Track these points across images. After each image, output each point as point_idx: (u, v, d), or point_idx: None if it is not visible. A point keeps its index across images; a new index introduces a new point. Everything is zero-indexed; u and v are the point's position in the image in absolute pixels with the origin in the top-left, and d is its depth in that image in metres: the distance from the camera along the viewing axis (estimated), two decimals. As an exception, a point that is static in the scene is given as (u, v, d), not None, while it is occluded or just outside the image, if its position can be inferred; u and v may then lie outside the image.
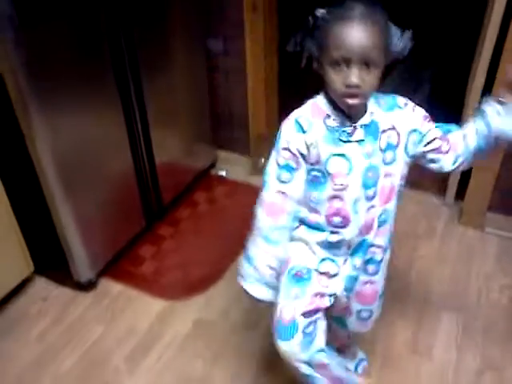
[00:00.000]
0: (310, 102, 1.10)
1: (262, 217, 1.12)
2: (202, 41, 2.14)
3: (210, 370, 1.56)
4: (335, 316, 1.30)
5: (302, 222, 1.14)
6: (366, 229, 1.11)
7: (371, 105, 1.06)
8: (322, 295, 1.15)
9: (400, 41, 1.01)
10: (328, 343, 1.19)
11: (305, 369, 1.15)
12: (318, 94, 1.10)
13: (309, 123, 1.06)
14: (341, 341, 1.46)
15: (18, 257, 1.74)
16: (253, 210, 1.15)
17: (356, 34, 0.92)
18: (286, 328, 1.11)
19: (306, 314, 1.12)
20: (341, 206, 1.07)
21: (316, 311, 1.14)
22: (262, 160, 2.39)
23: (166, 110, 2.00)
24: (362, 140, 1.04)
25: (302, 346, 1.11)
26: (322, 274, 1.15)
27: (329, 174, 1.05)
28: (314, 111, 1.07)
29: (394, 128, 1.07)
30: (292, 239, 1.16)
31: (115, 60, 1.66)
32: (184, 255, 1.98)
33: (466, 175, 2.04)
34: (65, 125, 1.55)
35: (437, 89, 2.87)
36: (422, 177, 2.38)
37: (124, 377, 1.55)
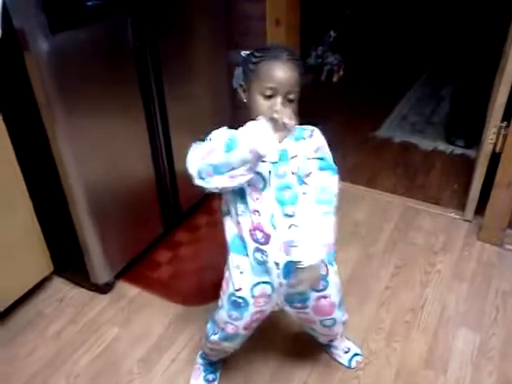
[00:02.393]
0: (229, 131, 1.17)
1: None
2: (224, 51, 2.17)
3: (222, 375, 1.56)
4: (305, 325, 1.45)
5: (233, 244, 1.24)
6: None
7: None
8: (262, 311, 1.30)
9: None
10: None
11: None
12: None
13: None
14: (327, 338, 1.53)
15: (39, 257, 1.77)
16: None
17: (284, 72, 1.11)
18: (230, 336, 1.33)
19: (247, 328, 1.32)
20: (259, 221, 1.16)
21: (257, 321, 1.32)
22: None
23: (187, 118, 2.03)
24: (276, 162, 1.15)
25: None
26: (257, 297, 1.24)
27: (248, 186, 1.15)
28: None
29: (297, 156, 1.19)
30: (227, 266, 1.27)
31: (140, 68, 1.70)
32: (200, 261, 1.99)
33: (486, 191, 2.02)
34: (88, 129, 1.58)
35: (457, 106, 2.86)
36: (441, 192, 2.39)
37: (137, 379, 1.56)
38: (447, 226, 2.17)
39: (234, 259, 1.24)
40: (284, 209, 1.16)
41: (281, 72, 1.11)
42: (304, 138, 1.22)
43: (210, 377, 1.53)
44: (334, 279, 1.30)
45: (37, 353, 1.65)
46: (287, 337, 1.68)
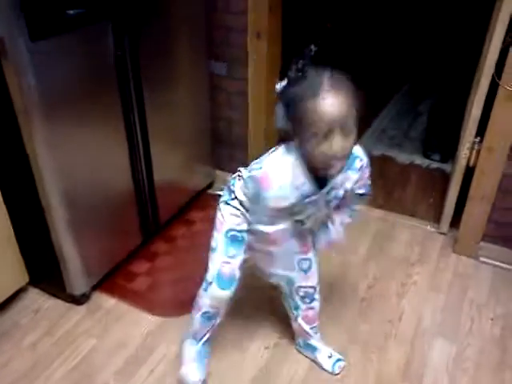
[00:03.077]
0: (289, 165, 1.16)
1: None
2: (205, 62, 2.19)
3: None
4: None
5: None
6: None
7: None
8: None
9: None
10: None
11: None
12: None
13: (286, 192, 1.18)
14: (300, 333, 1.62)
15: (14, 267, 1.74)
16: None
17: (332, 107, 0.98)
18: (226, 279, 1.36)
19: (239, 268, 1.37)
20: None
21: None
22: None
23: (167, 128, 2.03)
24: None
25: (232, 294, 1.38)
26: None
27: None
28: (294, 178, 1.16)
29: (342, 185, 1.21)
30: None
31: (120, 76, 1.69)
32: (178, 272, 1.98)
33: (461, 204, 2.06)
34: (67, 138, 1.57)
35: (434, 121, 2.91)
36: (417, 205, 2.43)
37: (113, 391, 1.54)
38: (423, 238, 2.20)
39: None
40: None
41: (328, 109, 0.99)
42: (355, 170, 1.21)
43: (202, 361, 1.53)
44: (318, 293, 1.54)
45: (12, 364, 1.62)
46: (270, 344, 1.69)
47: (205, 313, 1.45)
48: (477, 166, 1.94)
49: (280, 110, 1.11)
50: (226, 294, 1.39)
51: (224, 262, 1.36)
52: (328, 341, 1.65)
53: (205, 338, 1.50)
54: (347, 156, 1.07)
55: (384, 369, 1.62)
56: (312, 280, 1.50)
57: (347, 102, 1.01)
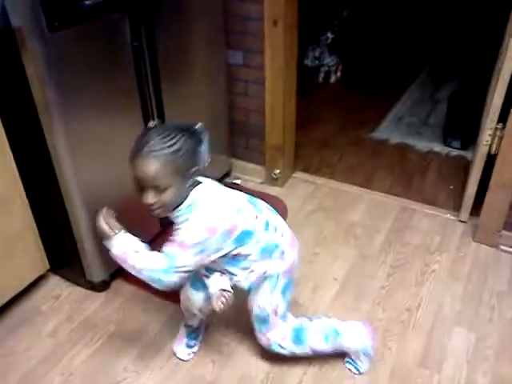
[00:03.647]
0: None
1: None
2: (222, 51, 2.18)
3: (219, 373, 1.57)
4: None
5: None
6: None
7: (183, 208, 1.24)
8: None
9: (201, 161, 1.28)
10: None
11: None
12: None
13: None
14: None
15: (34, 255, 1.77)
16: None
17: (143, 167, 1.14)
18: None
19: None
20: None
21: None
22: (277, 171, 2.41)
23: (184, 117, 2.02)
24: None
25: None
26: None
27: None
28: None
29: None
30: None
31: (137, 66, 1.70)
32: (196, 261, 1.99)
33: (481, 192, 2.03)
34: (85, 128, 1.58)
35: (454, 107, 2.87)
36: (436, 193, 2.40)
37: (133, 377, 1.56)
38: (443, 226, 2.18)
39: None
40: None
41: (141, 168, 1.15)
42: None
43: (192, 342, 1.63)
44: None
45: (33, 349, 1.65)
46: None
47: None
48: (498, 153, 1.90)
49: None
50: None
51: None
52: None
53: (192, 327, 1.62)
54: (163, 204, 1.20)
55: (402, 356, 1.61)
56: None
57: (158, 168, 1.14)
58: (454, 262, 1.99)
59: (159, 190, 1.16)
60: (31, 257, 1.76)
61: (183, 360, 1.61)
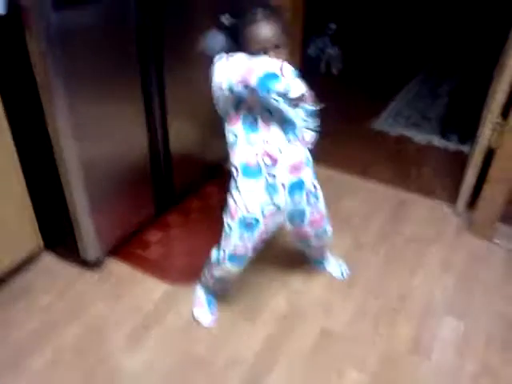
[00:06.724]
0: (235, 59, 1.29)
1: None
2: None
3: (211, 354, 1.58)
4: (301, 241, 1.68)
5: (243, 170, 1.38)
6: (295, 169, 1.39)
7: None
8: (267, 231, 1.47)
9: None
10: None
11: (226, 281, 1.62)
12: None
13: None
14: (319, 251, 1.79)
15: (28, 231, 1.77)
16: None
17: (264, 30, 1.25)
18: (239, 259, 1.49)
19: (254, 248, 1.48)
20: (269, 148, 1.34)
21: (262, 241, 1.49)
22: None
23: (185, 100, 2.02)
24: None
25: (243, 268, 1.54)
26: (266, 216, 1.42)
27: (261, 118, 1.34)
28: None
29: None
30: (236, 189, 1.39)
31: (140, 47, 1.69)
32: (191, 244, 1.99)
33: (477, 185, 2.04)
34: (85, 106, 1.57)
35: (454, 102, 2.87)
36: (433, 185, 2.40)
37: (123, 353, 1.57)
38: (438, 218, 2.18)
39: (245, 184, 1.38)
40: (287, 136, 1.36)
41: (263, 30, 1.25)
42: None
43: (213, 310, 1.69)
44: (321, 193, 1.53)
45: (25, 323, 1.65)
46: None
47: (217, 279, 1.59)
48: (499, 147, 1.91)
49: (215, 39, 1.34)
50: (238, 269, 1.54)
51: (237, 244, 1.45)
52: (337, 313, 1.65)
53: (215, 293, 1.69)
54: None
55: (393, 343, 1.62)
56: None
57: (275, 28, 1.25)
58: (448, 253, 2.00)
59: (278, 49, 1.26)
60: (25, 233, 1.76)
61: (207, 326, 1.66)
